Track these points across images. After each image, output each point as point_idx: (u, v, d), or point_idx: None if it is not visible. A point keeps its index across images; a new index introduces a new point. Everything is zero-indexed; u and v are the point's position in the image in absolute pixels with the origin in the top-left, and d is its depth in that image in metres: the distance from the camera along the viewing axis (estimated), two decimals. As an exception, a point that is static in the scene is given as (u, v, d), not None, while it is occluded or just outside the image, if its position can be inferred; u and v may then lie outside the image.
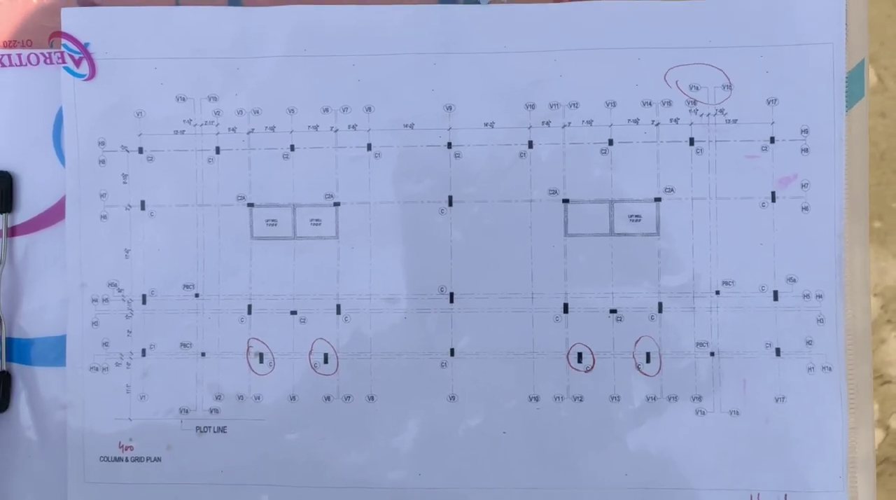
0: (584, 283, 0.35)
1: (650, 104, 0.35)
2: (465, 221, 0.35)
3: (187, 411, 0.36)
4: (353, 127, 0.36)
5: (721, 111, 0.35)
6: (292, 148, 0.36)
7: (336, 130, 0.36)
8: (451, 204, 0.35)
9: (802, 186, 0.34)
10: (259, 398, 0.36)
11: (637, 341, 0.35)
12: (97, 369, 0.36)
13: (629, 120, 0.35)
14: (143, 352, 0.36)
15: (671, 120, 0.35)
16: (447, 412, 0.35)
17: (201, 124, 0.36)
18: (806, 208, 0.34)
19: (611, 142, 0.35)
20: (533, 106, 0.35)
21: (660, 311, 0.35)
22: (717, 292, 0.35)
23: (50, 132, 0.37)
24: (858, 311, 0.35)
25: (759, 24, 0.34)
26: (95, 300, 0.36)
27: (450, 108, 0.35)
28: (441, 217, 0.35)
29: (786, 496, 0.34)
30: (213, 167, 0.36)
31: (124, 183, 0.36)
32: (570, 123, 0.35)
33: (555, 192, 0.35)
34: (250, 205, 0.36)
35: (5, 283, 0.37)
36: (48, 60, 0.36)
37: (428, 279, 0.35)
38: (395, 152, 0.36)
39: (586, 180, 0.35)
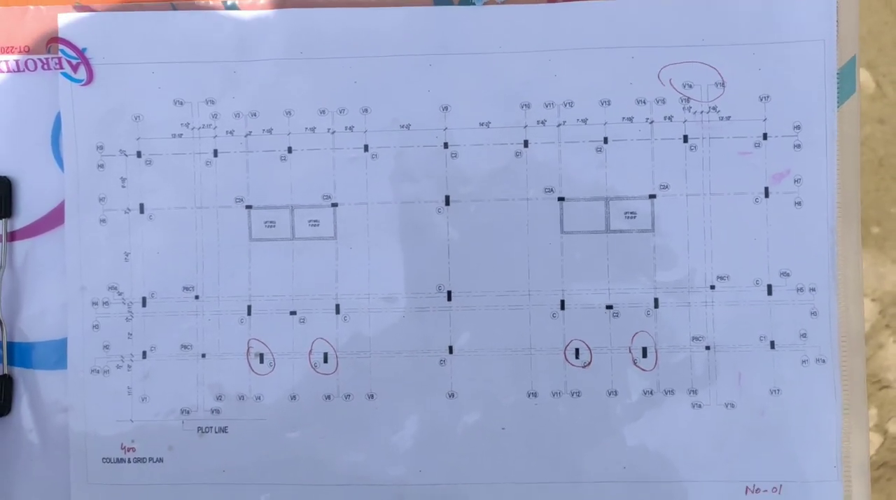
0: (580, 279, 0.35)
1: (644, 102, 0.35)
2: (462, 220, 0.36)
3: (188, 412, 0.36)
4: (350, 128, 0.36)
5: (714, 108, 0.35)
6: (290, 150, 0.36)
7: (333, 132, 0.36)
8: (448, 203, 0.36)
9: (795, 181, 0.35)
10: (260, 398, 0.36)
11: (633, 336, 0.35)
12: (98, 372, 0.37)
13: (623, 118, 0.35)
14: (144, 354, 0.37)
15: (665, 118, 0.35)
16: (446, 409, 0.36)
17: (199, 128, 0.36)
18: (798, 204, 0.35)
19: (605, 140, 0.35)
20: (528, 105, 0.35)
21: (656, 306, 0.35)
22: (712, 287, 0.35)
23: (48, 137, 0.37)
24: (851, 304, 0.35)
25: (751, 22, 0.35)
26: (96, 304, 0.37)
27: (446, 108, 0.36)
28: (438, 216, 0.36)
29: (781, 486, 0.35)
30: (211, 170, 0.36)
31: (123, 187, 0.37)
32: (564, 121, 0.35)
33: (551, 190, 0.35)
34: (249, 207, 0.36)
35: (5, 287, 0.37)
36: (46, 66, 0.37)
37: (426, 278, 0.36)
38: (391, 153, 0.36)
39: (582, 178, 0.35)
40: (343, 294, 0.36)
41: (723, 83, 0.35)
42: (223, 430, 0.36)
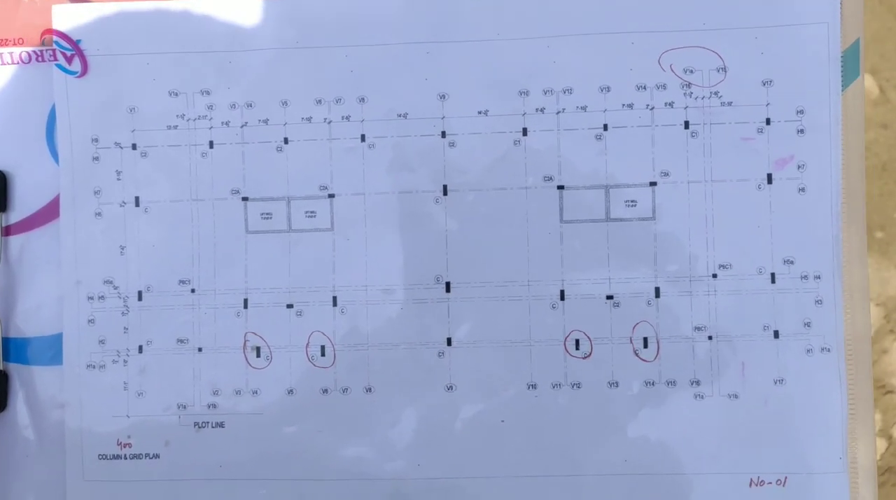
0: (580, 269, 0.35)
1: (644, 88, 0.35)
2: (460, 210, 0.35)
3: (185, 407, 0.36)
4: (347, 118, 0.36)
5: (716, 94, 0.34)
6: (286, 141, 0.36)
7: (330, 122, 0.36)
8: (445, 193, 0.35)
9: (798, 167, 0.34)
10: (257, 393, 0.36)
11: (635, 326, 0.35)
12: (94, 367, 0.36)
13: (623, 105, 0.35)
14: (140, 349, 0.36)
15: (666, 104, 0.35)
16: (445, 402, 0.35)
17: (194, 119, 0.36)
18: (802, 190, 0.34)
19: (605, 127, 0.35)
20: (527, 93, 0.35)
21: (657, 296, 0.35)
22: (715, 276, 0.34)
23: (43, 130, 0.37)
24: (856, 292, 0.34)
25: (752, 5, 0.34)
26: (91, 298, 0.36)
27: (443, 97, 0.35)
28: (436, 206, 0.35)
29: (786, 478, 0.34)
30: (206, 162, 0.36)
31: (118, 180, 0.36)
32: (564, 109, 0.35)
33: (550, 178, 0.35)
34: (245, 199, 0.36)
35: (0, 282, 0.37)
36: (40, 58, 0.36)
37: (424, 269, 0.35)
38: (389, 143, 0.35)
39: (581, 166, 0.35)
40: (340, 286, 0.36)
41: (724, 68, 0.34)
42: (220, 425, 0.36)
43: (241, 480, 0.36)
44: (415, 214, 0.35)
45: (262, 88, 0.36)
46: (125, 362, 0.36)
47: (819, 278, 0.34)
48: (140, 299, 0.36)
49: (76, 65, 0.36)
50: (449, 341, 0.35)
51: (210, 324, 0.36)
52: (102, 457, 0.36)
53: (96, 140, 0.36)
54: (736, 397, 0.34)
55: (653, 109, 0.35)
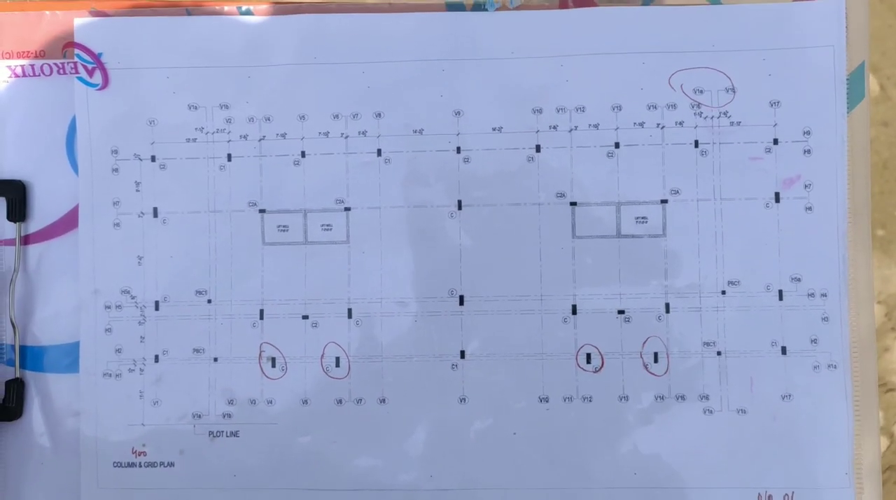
0: (592, 284, 0.35)
1: (655, 108, 0.35)
2: (474, 224, 0.36)
3: (200, 416, 0.36)
4: (363, 133, 0.36)
5: (725, 114, 0.35)
6: (303, 154, 0.36)
7: (346, 137, 0.36)
8: (460, 208, 0.36)
9: (805, 186, 0.35)
10: (271, 403, 0.36)
11: (645, 341, 0.35)
12: (110, 376, 0.37)
13: (635, 123, 0.35)
14: (156, 358, 0.37)
15: (676, 123, 0.35)
16: (458, 414, 0.36)
17: (213, 132, 0.37)
18: (809, 209, 0.35)
19: (617, 145, 0.36)
20: (540, 110, 0.36)
21: (667, 311, 0.35)
22: (723, 292, 0.35)
23: (63, 141, 0.37)
24: (862, 309, 0.35)
25: (761, 28, 0.35)
26: (108, 307, 0.37)
27: (458, 113, 0.36)
28: (451, 221, 0.36)
29: (793, 493, 0.35)
30: (224, 174, 0.37)
31: (137, 191, 0.37)
32: (576, 126, 0.36)
33: (562, 195, 0.36)
34: (262, 211, 0.36)
35: (19, 291, 0.37)
36: (61, 71, 0.37)
37: (438, 282, 0.36)
38: (404, 158, 0.36)
39: (593, 183, 0.36)
40: (355, 298, 0.36)
41: (733, 89, 0.35)
42: (234, 434, 0.36)
43: (255, 489, 0.36)
44: (429, 229, 0.36)
45: (280, 102, 0.36)
46: (141, 370, 0.37)
47: (825, 295, 0.35)
48: (157, 308, 0.37)
49: (97, 77, 0.37)
50: (462, 354, 0.36)
51: (226, 334, 0.36)
52: (117, 465, 0.36)
53: (116, 152, 0.37)
54: (744, 412, 0.35)
55: (663, 127, 0.35)
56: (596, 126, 0.36)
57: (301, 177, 0.36)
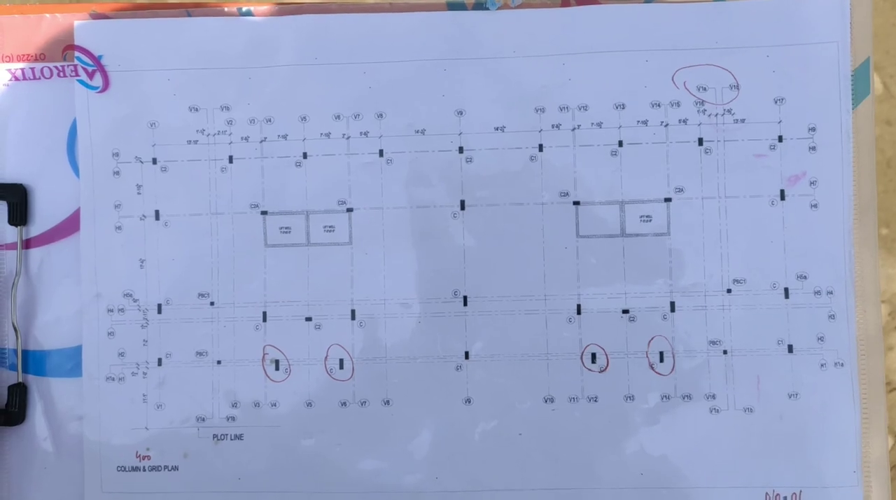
0: (596, 284, 0.35)
1: (659, 105, 0.35)
2: (477, 224, 0.36)
3: (204, 420, 0.36)
4: (365, 134, 0.36)
5: (729, 111, 0.35)
6: (305, 155, 0.36)
7: (348, 137, 0.36)
8: (463, 208, 0.36)
9: (811, 183, 0.35)
10: (275, 405, 0.36)
11: (650, 340, 0.35)
12: (113, 380, 0.37)
13: (638, 121, 0.35)
14: (159, 361, 0.36)
15: (680, 121, 0.35)
16: (463, 415, 0.36)
17: (214, 134, 0.36)
18: (815, 206, 0.35)
19: (620, 143, 0.35)
20: (543, 109, 0.35)
21: (672, 310, 0.35)
22: (729, 291, 0.35)
23: (64, 145, 0.37)
24: (869, 307, 0.35)
25: (764, 24, 0.35)
26: (111, 311, 0.37)
27: (460, 113, 0.36)
28: (454, 221, 0.36)
29: (801, 491, 0.34)
30: (226, 176, 0.36)
31: (138, 193, 0.37)
32: (579, 125, 0.35)
33: (566, 194, 0.35)
34: (264, 213, 0.36)
35: (21, 295, 0.37)
36: (62, 73, 0.37)
37: (442, 283, 0.36)
38: (406, 158, 0.36)
39: (597, 182, 0.35)
40: (358, 300, 0.36)
41: (737, 86, 0.35)
42: (238, 437, 0.36)
43: (260, 492, 0.36)
44: (432, 229, 0.36)
45: (281, 103, 0.36)
46: (144, 374, 0.36)
47: (832, 293, 0.35)
48: (159, 312, 0.36)
49: (97, 80, 0.37)
50: (466, 355, 0.36)
51: (229, 337, 0.36)
52: (121, 469, 0.36)
53: (117, 154, 0.37)
54: (751, 411, 0.35)
55: (667, 125, 0.35)
56: (599, 125, 0.35)
57: (303, 178, 0.36)
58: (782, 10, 0.35)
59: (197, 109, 0.36)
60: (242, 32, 0.36)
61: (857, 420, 0.34)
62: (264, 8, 0.36)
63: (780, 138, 0.35)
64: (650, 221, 0.35)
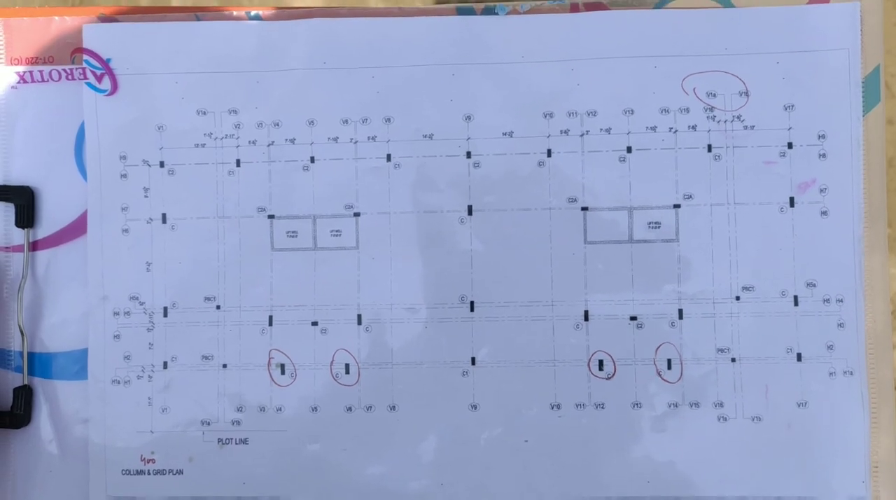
0: (604, 290, 0.35)
1: (668, 111, 0.35)
2: (484, 230, 0.35)
3: (209, 423, 0.36)
4: (373, 138, 0.36)
5: (738, 118, 0.35)
6: (312, 160, 0.36)
7: (356, 142, 0.36)
8: (470, 213, 0.36)
9: (821, 190, 0.35)
10: (281, 410, 0.36)
11: (658, 347, 0.35)
12: (119, 383, 0.36)
13: (647, 127, 0.35)
14: (165, 365, 0.36)
15: (689, 127, 0.35)
16: (469, 421, 0.35)
17: (222, 138, 0.36)
18: (825, 213, 0.35)
19: (629, 149, 0.35)
20: (551, 115, 0.35)
21: (680, 317, 0.35)
22: (738, 298, 0.35)
23: (72, 147, 0.37)
24: (879, 315, 0.35)
25: (774, 31, 0.35)
26: (117, 314, 0.37)
27: (469, 118, 0.36)
28: (461, 226, 0.36)
29: (810, 501, 0.34)
30: (233, 180, 0.36)
31: (146, 197, 0.37)
32: (588, 131, 0.35)
33: (574, 200, 0.35)
34: (271, 217, 0.36)
35: (27, 297, 0.37)
36: (70, 76, 0.37)
37: (448, 288, 0.36)
38: (414, 163, 0.36)
39: (605, 188, 0.35)
40: (365, 305, 0.36)
41: (747, 92, 0.35)
42: (244, 441, 0.36)
43: (265, 497, 0.36)
44: (439, 234, 0.36)
45: (289, 107, 0.36)
46: (150, 377, 0.36)
47: (841, 301, 0.34)
48: (165, 315, 0.36)
49: (106, 83, 0.37)
50: (473, 361, 0.35)
51: (235, 341, 0.36)
52: (126, 472, 0.36)
53: (124, 157, 0.37)
54: (759, 419, 0.34)
55: (676, 131, 0.35)
56: (608, 130, 0.35)
57: (310, 182, 0.36)
58: (792, 16, 0.35)
59: (205, 113, 0.36)
60: (251, 36, 0.36)
61: (867, 429, 0.34)
62: (273, 12, 0.36)
63: (790, 145, 0.35)
64: (658, 227, 0.35)
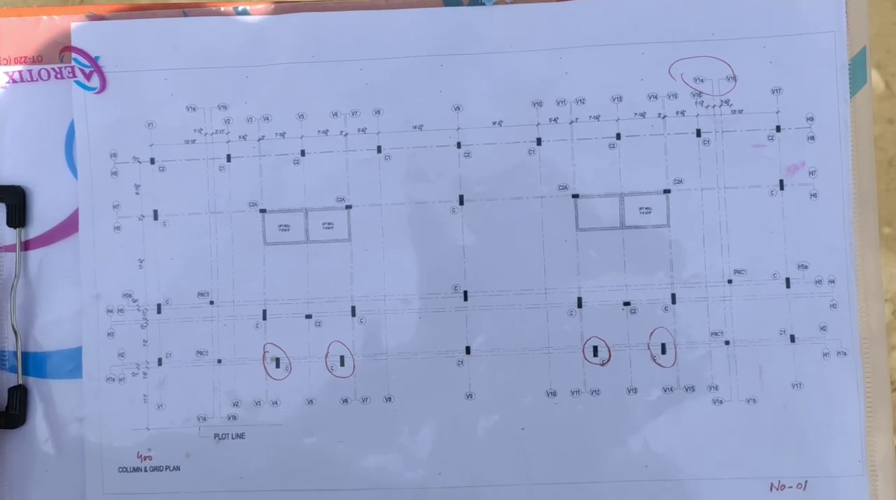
0: (597, 276, 0.35)
1: (656, 98, 0.35)
2: (476, 219, 0.36)
3: (205, 419, 0.36)
4: (363, 130, 0.36)
5: (726, 102, 0.35)
6: (303, 153, 0.36)
7: (346, 134, 0.36)
8: (462, 203, 0.36)
9: (810, 173, 0.35)
10: (276, 403, 0.36)
11: (652, 332, 0.35)
12: (114, 380, 0.36)
13: (636, 114, 0.35)
14: (160, 361, 0.36)
15: (677, 112, 0.35)
16: (465, 411, 0.35)
17: (212, 133, 0.36)
18: (814, 195, 0.35)
19: (618, 136, 0.35)
20: (540, 103, 0.35)
21: (673, 302, 0.35)
22: (730, 281, 0.35)
23: (62, 146, 0.37)
24: (871, 295, 0.35)
25: (760, 15, 0.35)
26: (110, 311, 0.36)
27: (458, 108, 0.36)
28: (453, 216, 0.36)
29: (806, 481, 0.34)
30: (224, 175, 0.36)
31: (137, 194, 0.37)
32: (577, 118, 0.35)
33: (565, 187, 0.35)
34: (262, 211, 0.36)
35: (20, 297, 0.37)
36: (59, 75, 0.37)
37: (442, 278, 0.36)
38: (404, 154, 0.36)
39: (596, 175, 0.35)
40: (358, 296, 0.36)
41: (734, 77, 0.35)
42: (240, 436, 0.36)
43: (262, 491, 0.36)
44: (431, 224, 0.36)
45: (278, 101, 0.36)
46: (145, 374, 0.36)
47: (833, 282, 0.35)
48: (159, 311, 0.36)
49: (95, 81, 0.37)
50: (468, 350, 0.35)
51: (229, 336, 0.36)
52: (122, 470, 0.36)
53: (115, 155, 0.37)
54: (754, 401, 0.35)
55: (665, 117, 0.35)
56: (597, 118, 0.35)
57: (301, 176, 0.36)
58: (778, 0, 0.35)
59: (194, 109, 0.36)
60: (239, 31, 0.36)
61: (862, 409, 0.34)
62: (261, 7, 0.36)
63: (779, 128, 0.35)
64: (650, 213, 0.35)
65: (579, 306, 0.35)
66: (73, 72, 0.37)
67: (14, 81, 0.37)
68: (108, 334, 0.36)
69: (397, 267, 0.36)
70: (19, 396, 0.36)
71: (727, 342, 0.35)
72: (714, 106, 0.35)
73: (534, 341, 0.35)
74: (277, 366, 0.36)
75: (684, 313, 0.35)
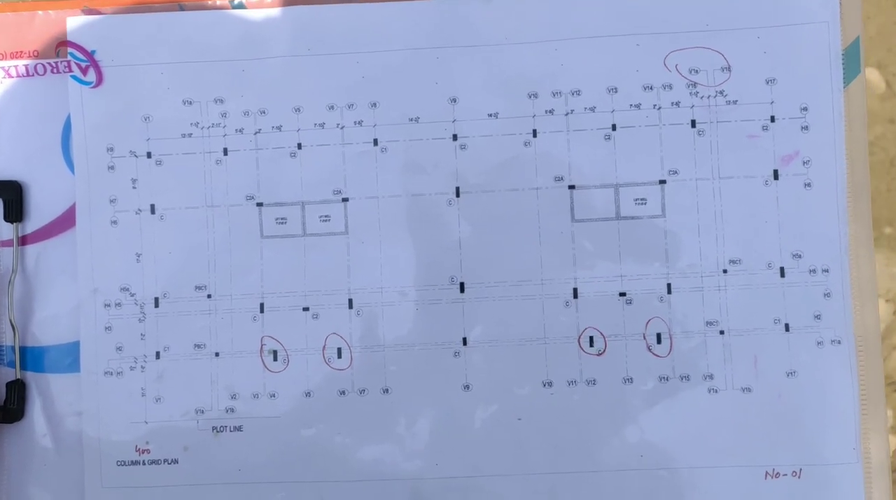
0: (592, 267, 0.35)
1: (651, 89, 0.35)
2: (472, 211, 0.36)
3: (203, 412, 0.36)
4: (359, 123, 0.36)
5: (721, 93, 0.35)
6: (299, 146, 0.36)
7: (342, 127, 0.36)
8: (458, 195, 0.36)
9: (804, 163, 0.35)
10: (274, 396, 0.36)
11: (647, 322, 0.35)
12: (112, 374, 0.36)
13: (631, 105, 0.35)
14: (157, 355, 0.36)
15: (672, 103, 0.35)
16: (462, 402, 0.36)
17: (208, 127, 0.37)
18: (808, 185, 0.35)
19: (614, 127, 0.35)
20: (536, 95, 0.36)
21: (668, 292, 0.35)
22: (725, 271, 0.35)
23: (58, 141, 0.37)
24: (864, 284, 0.35)
25: (754, 5, 0.35)
26: (108, 305, 0.37)
27: (454, 100, 0.36)
28: (449, 208, 0.36)
29: (801, 469, 0.35)
30: (221, 169, 0.36)
31: (133, 188, 0.37)
32: (572, 110, 0.36)
33: (560, 179, 0.36)
34: (259, 204, 0.36)
35: (18, 292, 0.37)
36: (55, 70, 0.37)
37: (438, 270, 0.36)
38: (401, 146, 0.36)
39: (591, 166, 0.35)
40: (356, 289, 0.36)
41: (728, 68, 0.35)
42: (238, 429, 0.36)
43: (261, 483, 0.36)
44: (428, 216, 0.36)
45: (275, 95, 0.36)
46: (143, 368, 0.36)
47: (827, 271, 0.35)
48: (157, 305, 0.36)
49: (91, 75, 0.37)
50: (464, 341, 0.36)
51: (227, 329, 0.36)
52: (121, 464, 0.36)
53: (111, 149, 0.37)
54: (749, 390, 0.35)
55: (660, 108, 0.35)
56: (592, 109, 0.36)
57: (298, 169, 0.36)
58: (772, -10, 0.35)
59: (191, 103, 0.37)
60: (235, 25, 0.36)
61: (856, 397, 0.35)
62: (256, 0, 0.36)
63: (773, 119, 0.35)
64: (645, 203, 0.35)
65: (575, 296, 0.35)
66: (69, 66, 0.37)
67: (10, 76, 0.37)
68: (106, 328, 0.37)
69: (394, 259, 0.36)
70: (17, 390, 0.36)
71: (722, 332, 0.35)
72: (709, 97, 0.35)
73: (530, 332, 0.35)
74: (275, 359, 0.36)
75: (679, 302, 0.35)
